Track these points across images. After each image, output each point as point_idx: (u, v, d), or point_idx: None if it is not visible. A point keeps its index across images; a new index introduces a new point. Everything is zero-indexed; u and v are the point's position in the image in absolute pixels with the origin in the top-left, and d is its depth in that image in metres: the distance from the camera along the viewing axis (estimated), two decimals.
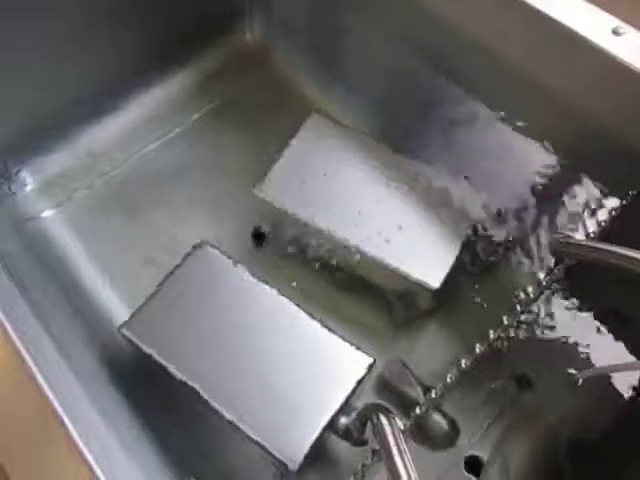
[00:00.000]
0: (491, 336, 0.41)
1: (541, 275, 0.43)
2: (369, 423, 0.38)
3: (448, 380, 0.38)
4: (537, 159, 0.49)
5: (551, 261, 0.44)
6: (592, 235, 0.43)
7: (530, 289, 0.43)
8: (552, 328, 0.51)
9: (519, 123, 0.49)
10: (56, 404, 0.31)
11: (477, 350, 0.40)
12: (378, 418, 0.35)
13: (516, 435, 0.49)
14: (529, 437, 0.49)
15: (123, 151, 0.62)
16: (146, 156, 0.62)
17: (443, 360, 0.50)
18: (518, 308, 0.42)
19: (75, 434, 0.31)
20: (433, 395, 0.38)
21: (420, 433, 0.48)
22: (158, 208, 0.59)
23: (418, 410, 0.38)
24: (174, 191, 0.60)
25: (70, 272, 0.55)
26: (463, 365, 0.39)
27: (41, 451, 0.32)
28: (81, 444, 0.31)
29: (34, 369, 0.33)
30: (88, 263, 0.56)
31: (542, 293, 0.43)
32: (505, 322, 0.41)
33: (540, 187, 0.49)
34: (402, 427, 0.36)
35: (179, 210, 0.59)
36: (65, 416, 0.31)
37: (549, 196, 0.49)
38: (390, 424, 0.34)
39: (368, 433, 0.40)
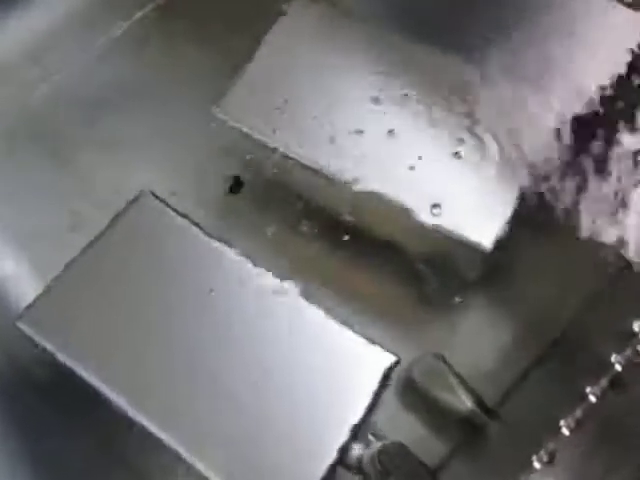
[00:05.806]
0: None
1: None
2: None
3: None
4: None
5: None
6: None
7: None
8: None
9: None
10: None
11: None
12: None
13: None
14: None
15: (40, 67, 0.52)
16: (72, 74, 0.53)
17: (495, 353, 0.41)
18: None
19: None
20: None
21: None
22: (90, 146, 0.50)
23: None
24: (111, 122, 0.51)
25: None
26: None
27: None
28: None
29: None
30: None
31: None
32: None
33: None
34: None
35: (118, 148, 0.50)
36: None
37: None
38: None
39: None
